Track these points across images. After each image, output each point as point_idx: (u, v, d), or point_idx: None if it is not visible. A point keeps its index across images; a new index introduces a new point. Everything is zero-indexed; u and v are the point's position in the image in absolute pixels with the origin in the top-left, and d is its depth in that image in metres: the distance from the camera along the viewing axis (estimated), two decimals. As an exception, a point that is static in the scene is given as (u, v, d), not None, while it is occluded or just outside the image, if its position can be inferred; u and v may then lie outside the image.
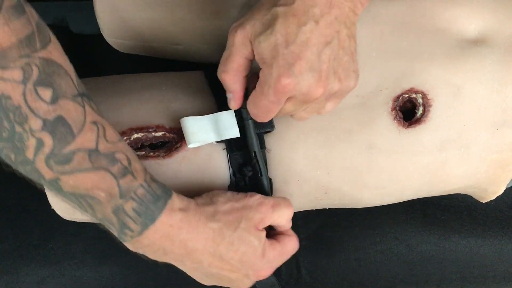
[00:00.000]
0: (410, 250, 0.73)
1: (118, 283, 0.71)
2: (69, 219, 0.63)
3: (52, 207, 0.61)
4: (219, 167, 0.59)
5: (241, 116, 0.57)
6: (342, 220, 0.74)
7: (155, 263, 0.58)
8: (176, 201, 0.51)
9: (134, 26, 0.68)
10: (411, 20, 0.59)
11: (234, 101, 0.55)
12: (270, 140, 0.59)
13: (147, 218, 0.48)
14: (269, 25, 0.49)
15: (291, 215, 0.57)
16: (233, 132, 0.57)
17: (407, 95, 0.58)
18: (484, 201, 0.68)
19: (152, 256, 0.52)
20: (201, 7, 0.66)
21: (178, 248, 0.51)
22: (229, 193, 0.55)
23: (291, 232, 0.59)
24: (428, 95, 0.58)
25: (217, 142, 0.58)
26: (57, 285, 0.72)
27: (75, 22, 0.92)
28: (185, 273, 0.64)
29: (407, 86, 0.58)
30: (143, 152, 0.58)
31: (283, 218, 0.56)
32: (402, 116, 0.59)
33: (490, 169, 0.62)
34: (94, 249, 0.71)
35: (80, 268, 0.71)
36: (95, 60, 0.84)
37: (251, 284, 0.58)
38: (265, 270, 0.56)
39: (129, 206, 0.47)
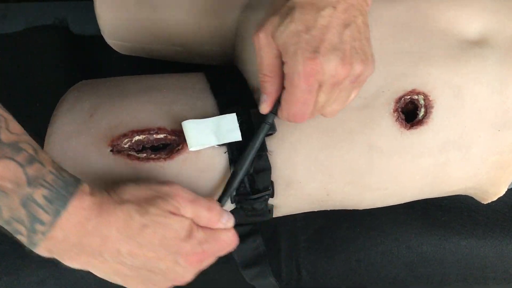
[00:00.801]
0: (410, 251, 0.73)
1: (118, 284, 0.71)
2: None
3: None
4: (220, 170, 0.58)
5: (260, 119, 0.56)
6: (343, 221, 0.74)
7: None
8: (87, 186, 0.48)
9: (134, 28, 0.68)
10: (412, 22, 0.59)
11: (267, 103, 0.55)
12: (272, 142, 0.59)
13: (59, 204, 0.45)
14: (287, 16, 0.50)
15: (211, 218, 0.53)
16: (235, 135, 0.57)
17: (408, 97, 0.58)
18: (485, 202, 0.68)
19: (68, 256, 0.48)
20: (202, 9, 0.66)
21: (93, 236, 0.47)
22: (141, 180, 0.53)
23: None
24: (429, 96, 0.58)
25: (219, 145, 0.58)
26: (57, 286, 0.72)
27: (76, 23, 0.91)
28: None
29: (408, 88, 0.58)
30: (145, 154, 0.57)
31: (201, 219, 0.53)
32: (404, 117, 0.58)
33: (491, 170, 0.62)
34: (94, 250, 0.71)
35: (80, 269, 0.71)
36: (96, 62, 0.84)
37: (189, 275, 0.53)
38: (196, 255, 0.51)
39: (39, 193, 0.45)
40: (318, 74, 0.49)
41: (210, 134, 0.56)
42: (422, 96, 0.58)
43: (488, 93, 0.59)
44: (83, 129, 0.58)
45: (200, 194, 0.58)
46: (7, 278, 0.71)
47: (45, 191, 0.45)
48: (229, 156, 0.58)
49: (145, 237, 0.49)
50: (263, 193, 0.59)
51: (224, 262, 0.70)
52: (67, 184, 0.47)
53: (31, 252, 0.47)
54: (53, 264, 0.70)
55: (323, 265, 0.73)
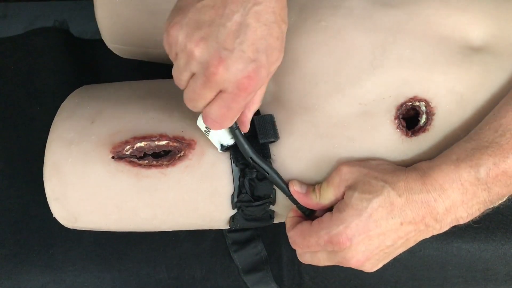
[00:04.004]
0: (412, 255, 0.73)
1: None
2: (70, 227, 0.63)
3: (53, 216, 0.61)
4: (223, 175, 0.58)
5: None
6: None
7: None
8: None
9: (135, 32, 0.68)
10: (414, 28, 0.59)
11: (298, 194, 0.57)
12: (275, 149, 0.59)
13: None
14: (370, 193, 0.51)
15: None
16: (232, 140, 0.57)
17: (410, 103, 0.58)
18: (486, 208, 0.68)
19: None
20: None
21: None
22: None
23: None
24: (431, 103, 0.57)
25: (223, 151, 0.58)
26: (57, 291, 0.71)
27: (76, 25, 0.91)
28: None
29: (410, 94, 0.58)
30: (146, 161, 0.57)
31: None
32: (404, 124, 0.58)
33: (493, 176, 0.61)
34: (95, 255, 0.71)
35: (81, 274, 0.71)
36: (97, 64, 0.83)
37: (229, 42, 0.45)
38: (265, 75, 0.47)
39: None
40: (338, 250, 0.51)
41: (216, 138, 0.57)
42: (423, 103, 0.57)
43: (491, 100, 0.58)
44: (84, 136, 0.58)
45: (202, 200, 0.57)
46: (8, 282, 0.71)
47: None
48: (233, 162, 0.58)
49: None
50: (264, 200, 0.59)
51: (225, 267, 0.71)
52: None
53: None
54: (54, 270, 0.70)
55: (325, 269, 0.72)
